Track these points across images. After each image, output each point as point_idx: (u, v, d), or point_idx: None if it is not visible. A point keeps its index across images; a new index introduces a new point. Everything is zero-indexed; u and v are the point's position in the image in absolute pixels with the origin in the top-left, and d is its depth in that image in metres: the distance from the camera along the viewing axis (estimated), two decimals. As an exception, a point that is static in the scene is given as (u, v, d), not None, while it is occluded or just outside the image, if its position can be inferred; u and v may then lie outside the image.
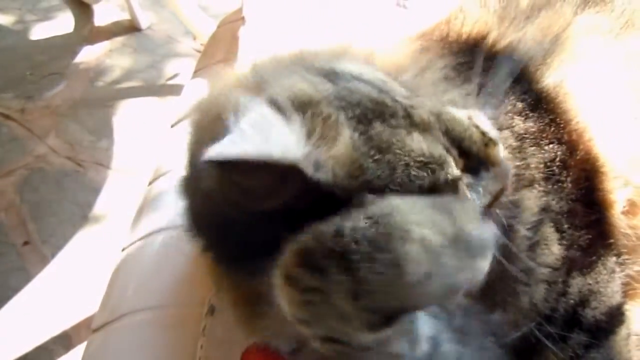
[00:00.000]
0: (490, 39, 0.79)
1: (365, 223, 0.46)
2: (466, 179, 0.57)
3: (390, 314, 0.48)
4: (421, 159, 0.53)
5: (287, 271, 0.49)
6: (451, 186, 0.54)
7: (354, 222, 0.47)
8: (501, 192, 0.60)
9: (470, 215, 0.49)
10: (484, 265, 0.47)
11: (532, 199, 0.67)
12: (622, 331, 0.69)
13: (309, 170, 0.50)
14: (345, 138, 0.54)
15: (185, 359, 0.75)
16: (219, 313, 0.76)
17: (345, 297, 0.46)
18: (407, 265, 0.44)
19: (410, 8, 1.25)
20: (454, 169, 0.55)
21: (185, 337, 0.74)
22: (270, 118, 0.52)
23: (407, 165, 0.53)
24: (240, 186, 0.53)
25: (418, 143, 0.55)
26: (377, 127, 0.54)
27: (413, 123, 0.56)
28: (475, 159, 0.58)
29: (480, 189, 0.60)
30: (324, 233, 0.48)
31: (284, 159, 0.49)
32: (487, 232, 0.49)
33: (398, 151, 0.53)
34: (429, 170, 0.53)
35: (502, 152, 0.59)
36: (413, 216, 0.47)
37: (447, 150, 0.56)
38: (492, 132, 0.59)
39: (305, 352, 0.63)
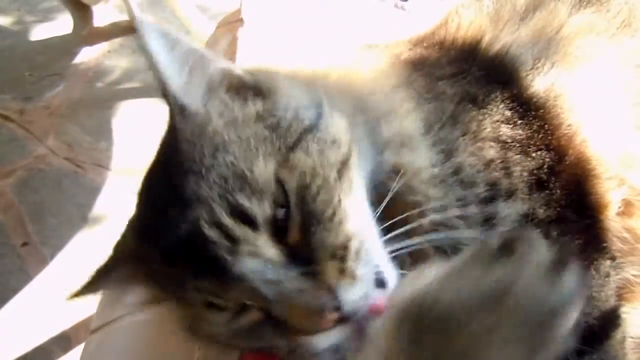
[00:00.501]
0: (484, 42, 0.79)
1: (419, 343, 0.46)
2: None
3: None
4: None
5: None
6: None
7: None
8: None
9: (539, 283, 0.45)
10: (572, 321, 0.45)
11: (512, 210, 0.67)
12: (618, 335, 0.68)
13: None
14: None
15: (184, 358, 0.75)
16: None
17: None
18: None
19: (408, 10, 1.25)
20: None
21: (183, 336, 0.73)
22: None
23: None
24: None
25: None
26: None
27: None
28: None
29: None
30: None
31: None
32: (565, 289, 0.45)
33: None
34: None
35: None
36: (484, 320, 0.44)
37: None
38: None
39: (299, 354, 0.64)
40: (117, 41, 2.96)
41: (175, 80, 0.62)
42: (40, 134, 2.48)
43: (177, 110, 0.61)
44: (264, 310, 0.57)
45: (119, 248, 0.69)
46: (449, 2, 0.90)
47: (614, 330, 0.67)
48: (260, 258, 0.55)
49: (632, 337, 0.71)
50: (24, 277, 1.97)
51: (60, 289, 1.91)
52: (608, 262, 0.69)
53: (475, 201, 0.66)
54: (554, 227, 0.67)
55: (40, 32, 3.07)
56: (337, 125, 0.63)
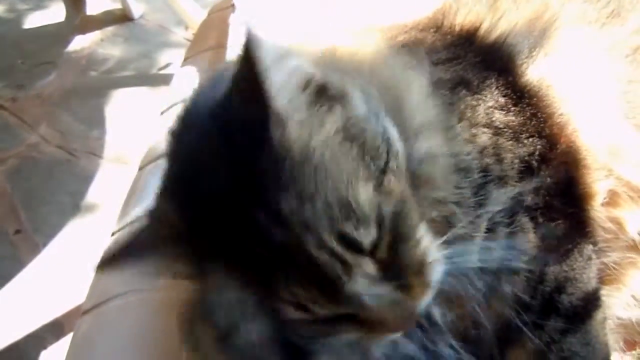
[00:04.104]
0: (482, 30, 0.80)
1: None
2: None
3: None
4: None
5: None
6: None
7: None
8: None
9: None
10: None
11: (502, 195, 0.67)
12: (599, 315, 0.70)
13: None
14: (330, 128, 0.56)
15: (175, 340, 0.75)
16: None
17: None
18: None
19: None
20: None
21: (174, 317, 0.74)
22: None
23: None
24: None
25: None
26: None
27: None
28: None
29: None
30: None
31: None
32: None
33: None
34: None
35: None
36: None
37: None
38: None
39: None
40: (110, 29, 2.96)
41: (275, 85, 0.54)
42: (32, 122, 2.48)
43: (275, 123, 0.54)
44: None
45: (159, 226, 0.62)
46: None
47: (595, 311, 0.69)
48: (365, 277, 0.55)
49: (612, 318, 0.74)
50: (16, 264, 1.97)
51: (53, 276, 1.92)
52: (590, 247, 0.71)
53: (470, 187, 0.66)
54: (540, 214, 0.69)
55: (32, 20, 3.06)
56: (401, 148, 0.60)
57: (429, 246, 0.59)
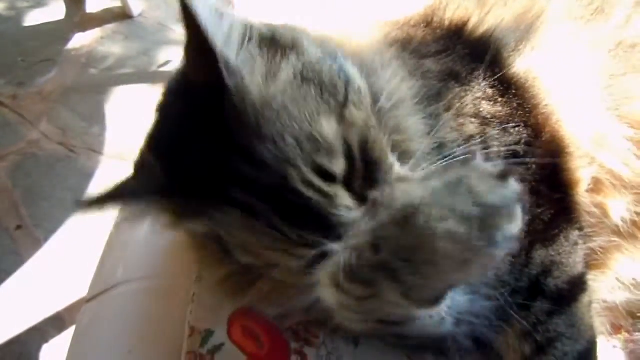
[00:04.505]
0: (471, 24, 0.82)
1: (395, 231, 0.49)
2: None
3: (437, 297, 0.53)
4: None
5: (337, 283, 0.53)
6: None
7: (384, 231, 0.49)
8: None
9: (487, 183, 0.48)
10: (517, 224, 0.47)
11: None
12: (584, 298, 0.72)
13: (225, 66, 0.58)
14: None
15: (176, 324, 0.78)
16: (207, 280, 0.79)
17: (396, 296, 0.50)
18: (442, 261, 0.47)
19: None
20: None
21: (176, 304, 0.77)
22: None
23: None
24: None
25: None
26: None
27: None
28: None
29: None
30: (361, 248, 0.51)
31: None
32: (507, 192, 0.47)
33: None
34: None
35: None
36: (435, 211, 0.47)
37: None
38: None
39: (291, 317, 0.68)
40: (109, 27, 2.97)
41: (219, 39, 0.60)
42: (33, 118, 2.49)
43: (228, 73, 0.59)
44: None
45: (146, 180, 0.65)
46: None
47: (580, 294, 0.72)
48: (345, 207, 0.58)
49: (598, 302, 0.76)
50: (17, 259, 1.99)
51: (54, 271, 1.94)
52: (577, 232, 0.73)
53: None
54: (527, 199, 0.71)
55: (33, 18, 3.07)
56: (363, 85, 0.65)
57: (400, 171, 0.62)
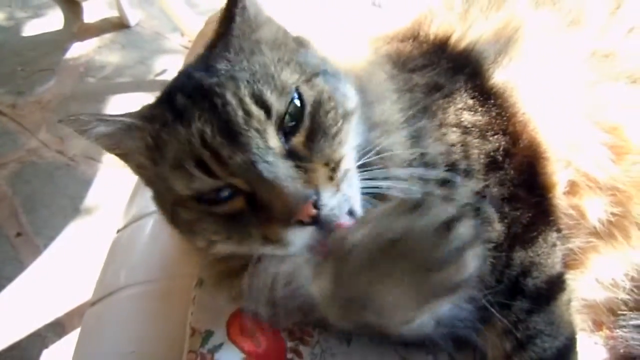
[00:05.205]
0: (453, 39, 0.86)
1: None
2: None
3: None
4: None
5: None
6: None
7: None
8: None
9: (429, 241, 0.51)
10: (467, 271, 0.52)
11: (468, 187, 0.73)
12: (563, 297, 0.74)
13: None
14: None
15: (177, 326, 0.81)
16: (206, 285, 0.82)
17: (373, 319, 0.56)
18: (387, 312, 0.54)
19: (384, 7, 1.31)
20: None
21: (177, 307, 0.79)
22: None
23: None
24: None
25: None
26: None
27: None
28: None
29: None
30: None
31: None
32: (454, 243, 0.51)
33: None
34: None
35: None
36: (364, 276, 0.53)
37: None
38: None
39: (281, 317, 0.71)
40: (107, 37, 3.00)
41: None
42: (32, 127, 2.52)
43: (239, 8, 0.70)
44: (249, 197, 0.63)
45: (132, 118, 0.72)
46: (423, 2, 0.96)
47: (559, 293, 0.74)
48: (265, 140, 0.62)
49: (577, 300, 0.79)
50: (18, 266, 2.01)
51: (54, 278, 1.97)
52: (555, 234, 0.76)
53: (435, 180, 0.72)
54: (506, 203, 0.74)
55: (31, 28, 3.09)
56: (349, 89, 0.72)
57: (347, 153, 0.66)
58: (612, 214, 0.78)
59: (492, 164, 0.75)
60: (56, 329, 1.85)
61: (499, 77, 0.80)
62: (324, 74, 0.70)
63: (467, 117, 0.77)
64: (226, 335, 0.77)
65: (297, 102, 0.65)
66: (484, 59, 0.82)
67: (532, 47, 0.83)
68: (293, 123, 0.65)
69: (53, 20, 3.13)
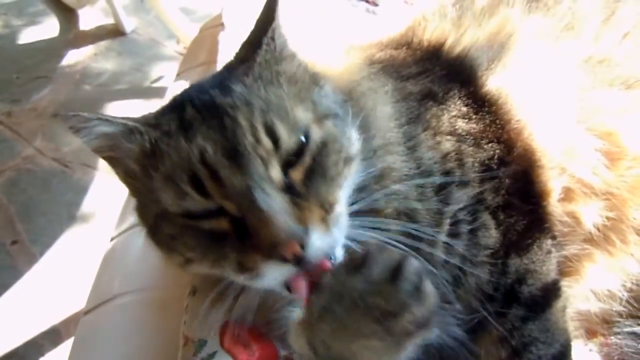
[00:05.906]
0: (447, 45, 0.86)
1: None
2: None
3: None
4: None
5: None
6: None
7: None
8: None
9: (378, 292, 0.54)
10: (426, 307, 0.54)
11: (464, 197, 0.73)
12: (558, 304, 0.74)
13: None
14: None
15: (170, 334, 0.81)
16: (200, 293, 0.81)
17: None
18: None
19: (379, 15, 1.32)
20: None
21: (170, 315, 0.79)
22: None
23: None
24: None
25: None
26: None
27: None
28: None
29: None
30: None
31: None
32: (402, 287, 0.53)
33: None
34: None
35: None
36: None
37: None
38: None
39: (275, 326, 0.71)
40: (103, 44, 3.00)
41: None
42: (28, 135, 2.51)
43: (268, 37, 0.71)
44: (235, 221, 0.62)
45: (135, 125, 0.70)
46: (416, 8, 0.96)
47: (554, 300, 0.74)
48: (267, 170, 0.62)
49: (573, 309, 0.79)
50: (14, 273, 2.00)
51: (50, 285, 1.95)
52: (550, 241, 0.76)
53: (431, 187, 0.72)
54: (501, 211, 0.74)
55: (27, 36, 3.10)
56: (353, 133, 0.71)
57: (342, 197, 0.66)
58: (608, 218, 0.78)
59: (487, 172, 0.75)
60: (52, 337, 1.84)
61: (493, 83, 0.80)
62: (335, 117, 0.70)
63: (462, 125, 0.77)
64: (219, 344, 0.77)
65: (303, 138, 0.65)
66: (477, 65, 0.82)
67: (525, 53, 0.83)
68: (293, 157, 0.64)
69: (49, 27, 3.13)
